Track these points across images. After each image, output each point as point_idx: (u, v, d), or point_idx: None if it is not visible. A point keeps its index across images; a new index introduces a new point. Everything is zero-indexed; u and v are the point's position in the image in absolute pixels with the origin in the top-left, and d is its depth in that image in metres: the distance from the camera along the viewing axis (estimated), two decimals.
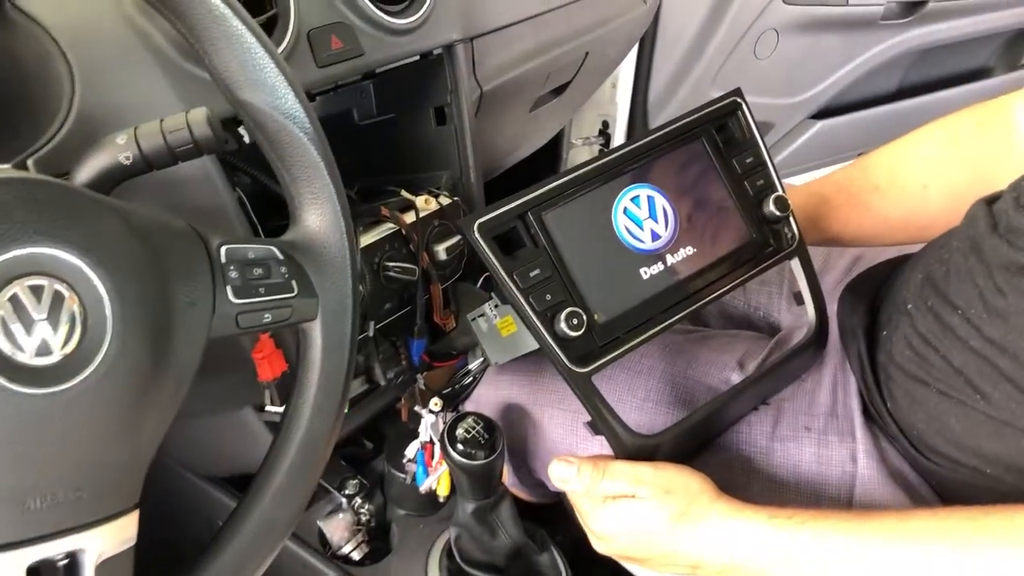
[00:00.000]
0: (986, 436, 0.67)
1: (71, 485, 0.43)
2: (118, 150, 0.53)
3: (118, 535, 0.45)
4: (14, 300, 0.41)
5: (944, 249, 0.76)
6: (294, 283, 0.53)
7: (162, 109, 0.66)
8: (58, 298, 0.42)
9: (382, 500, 0.98)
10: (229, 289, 0.50)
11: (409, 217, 0.86)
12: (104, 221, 0.45)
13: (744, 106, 0.77)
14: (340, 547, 0.93)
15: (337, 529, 0.93)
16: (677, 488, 0.68)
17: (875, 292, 0.85)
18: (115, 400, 0.44)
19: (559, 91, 1.31)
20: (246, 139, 0.77)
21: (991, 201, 0.74)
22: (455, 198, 0.92)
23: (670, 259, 0.71)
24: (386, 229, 0.84)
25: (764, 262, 0.76)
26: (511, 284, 0.65)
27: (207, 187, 0.70)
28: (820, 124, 1.92)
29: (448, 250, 0.88)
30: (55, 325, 0.42)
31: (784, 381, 0.81)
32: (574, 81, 1.31)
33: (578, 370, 0.67)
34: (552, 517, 0.98)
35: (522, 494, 0.98)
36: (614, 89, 1.70)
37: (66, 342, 0.42)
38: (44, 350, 0.42)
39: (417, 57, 0.88)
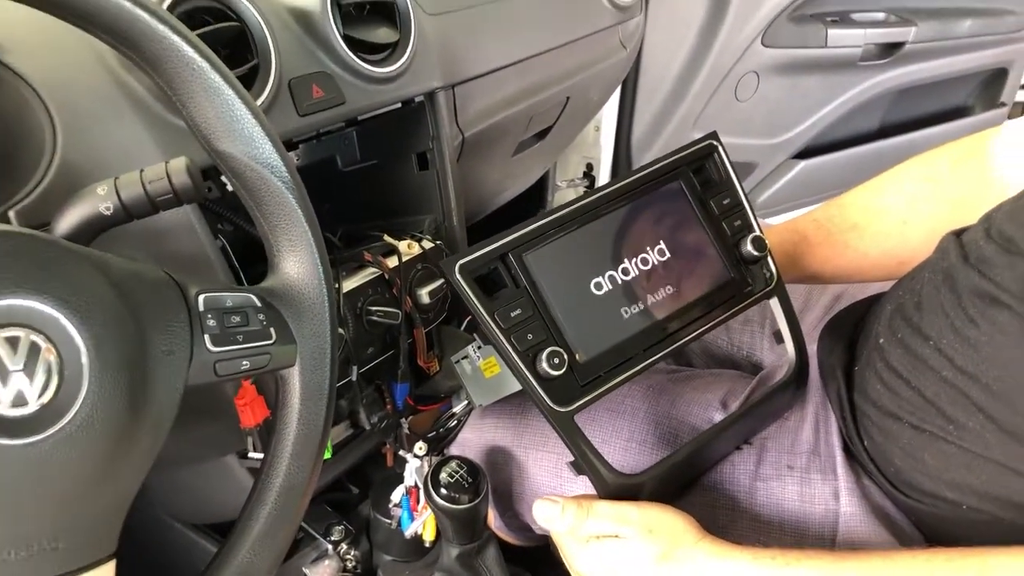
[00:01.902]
0: (961, 469, 0.68)
1: (48, 535, 0.43)
2: (98, 200, 0.54)
3: None
4: None
5: (915, 281, 0.77)
6: (272, 330, 0.54)
7: (144, 159, 0.67)
8: (34, 349, 0.43)
9: (368, 546, 0.98)
10: (207, 337, 0.51)
11: (392, 261, 0.87)
12: (81, 272, 0.46)
13: (720, 148, 0.78)
14: None
15: (322, 574, 0.93)
16: (661, 528, 0.68)
17: (854, 330, 0.86)
18: (92, 450, 0.44)
19: (542, 135, 1.33)
20: (228, 187, 0.78)
21: (960, 233, 0.75)
22: (438, 242, 0.93)
23: (650, 299, 0.72)
24: (369, 273, 0.85)
25: (743, 302, 0.77)
26: (492, 325, 0.65)
27: (189, 235, 0.71)
28: (803, 164, 1.96)
29: (431, 294, 0.89)
30: (31, 376, 0.42)
31: (766, 420, 0.82)
32: (557, 125, 1.34)
33: (560, 410, 0.67)
34: (538, 561, 0.97)
35: (508, 537, 0.98)
36: (597, 132, 1.73)
37: (42, 392, 0.43)
38: (20, 401, 0.42)
39: (399, 104, 0.89)
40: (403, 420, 0.93)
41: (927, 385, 0.70)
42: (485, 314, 0.66)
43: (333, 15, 0.80)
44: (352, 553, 0.96)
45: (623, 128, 1.73)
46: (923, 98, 2.09)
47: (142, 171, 0.55)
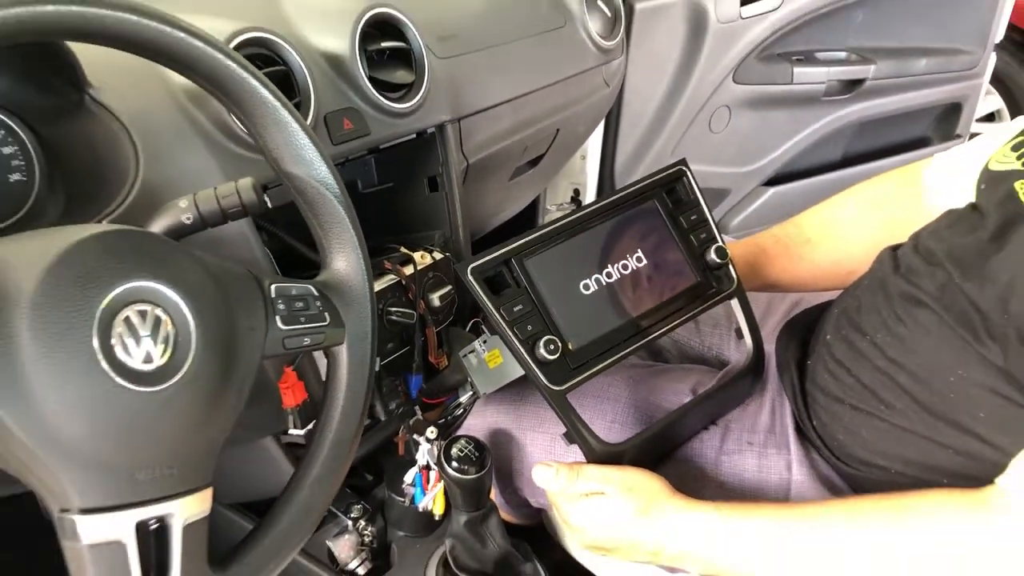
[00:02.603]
0: (891, 441, 0.82)
1: (166, 463, 0.56)
2: (181, 212, 0.67)
3: (199, 505, 0.58)
4: (127, 321, 0.54)
5: (857, 288, 0.92)
6: (326, 314, 0.67)
7: (208, 180, 0.81)
8: (157, 320, 0.56)
9: (383, 523, 1.10)
10: (278, 318, 0.64)
11: (408, 270, 1.00)
12: (189, 264, 0.59)
13: (688, 173, 0.93)
14: (347, 564, 1.04)
15: (344, 548, 1.05)
16: (639, 487, 0.81)
17: (807, 331, 1.00)
18: (196, 400, 0.57)
19: (535, 162, 1.47)
20: (269, 204, 0.92)
21: (896, 248, 0.90)
22: (447, 254, 1.07)
23: (630, 298, 0.86)
24: (388, 280, 0.99)
25: (708, 302, 0.91)
26: (499, 317, 0.79)
27: (243, 241, 0.84)
28: (772, 190, 2.08)
29: (441, 298, 1.02)
30: (155, 340, 0.55)
31: (728, 403, 0.95)
32: (547, 154, 1.47)
33: (556, 388, 0.81)
34: (534, 537, 1.10)
35: (508, 515, 1.10)
36: (584, 160, 1.84)
37: (163, 354, 0.55)
38: (147, 359, 0.55)
39: (414, 135, 1.04)
40: (416, 408, 1.06)
41: (864, 373, 0.84)
42: (492, 308, 0.79)
43: (360, 60, 0.94)
44: (369, 529, 1.08)
45: (607, 157, 1.83)
46: (884, 130, 2.22)
47: (216, 188, 0.68)
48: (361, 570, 1.05)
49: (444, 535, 1.00)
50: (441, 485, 1.01)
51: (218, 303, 0.60)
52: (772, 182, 2.11)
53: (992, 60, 2.24)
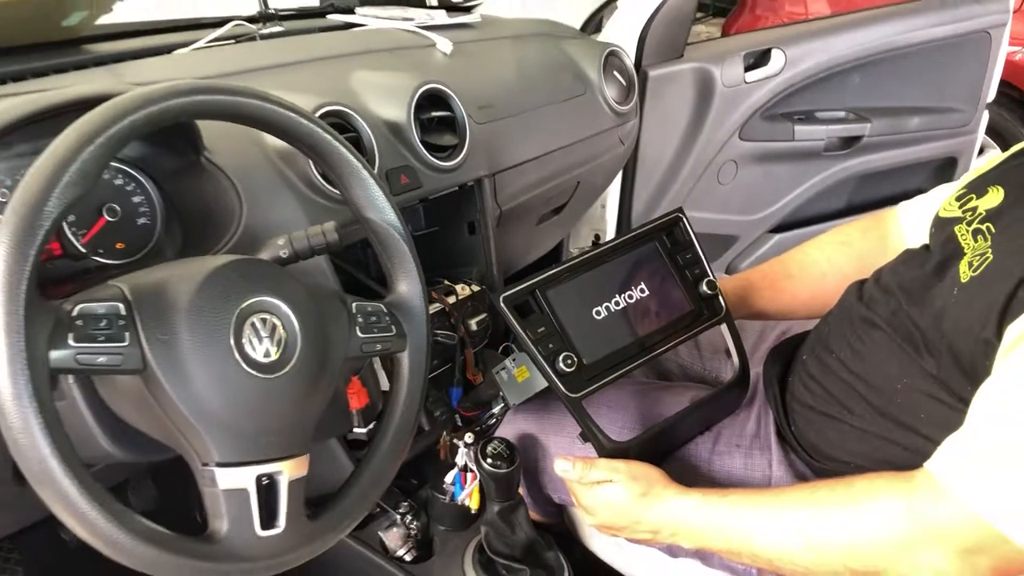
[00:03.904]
0: (852, 441, 0.98)
1: (278, 431, 0.74)
2: (279, 248, 0.86)
3: (299, 468, 0.76)
4: (252, 325, 0.74)
5: (829, 316, 1.10)
6: (393, 327, 0.86)
7: (293, 223, 1.01)
8: (274, 327, 0.75)
9: (426, 519, 1.27)
10: (357, 328, 0.83)
11: (451, 299, 1.20)
12: (295, 285, 0.78)
13: (684, 219, 1.11)
14: (395, 551, 1.22)
15: (393, 538, 1.22)
16: (641, 475, 0.98)
17: (790, 354, 1.17)
18: (299, 386, 0.76)
19: (558, 210, 1.67)
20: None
21: (862, 282, 1.08)
22: (483, 286, 1.26)
23: (635, 322, 1.04)
24: (435, 307, 1.18)
25: (700, 326, 1.09)
26: (525, 336, 0.97)
27: (320, 272, 1.03)
28: (777, 237, 2.24)
29: (478, 323, 1.22)
30: (272, 341, 0.74)
31: (719, 412, 1.13)
32: (569, 203, 1.67)
33: (573, 396, 0.98)
34: (557, 533, 1.27)
35: (534, 514, 1.27)
36: (603, 209, 2.02)
37: (277, 351, 0.74)
38: (267, 354, 0.74)
39: (456, 187, 1.24)
40: (456, 416, 1.24)
41: (831, 384, 1.02)
42: (520, 330, 0.97)
43: (414, 127, 1.15)
44: (414, 523, 1.25)
45: (624, 206, 2.00)
46: (884, 182, 2.35)
47: (307, 230, 0.88)
48: (408, 557, 1.22)
49: (479, 528, 1.18)
50: (476, 483, 1.18)
51: (316, 315, 0.79)
52: (778, 229, 2.26)
53: (985, 117, 2.37)
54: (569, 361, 0.97)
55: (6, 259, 0.62)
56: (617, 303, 1.03)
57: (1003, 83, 2.40)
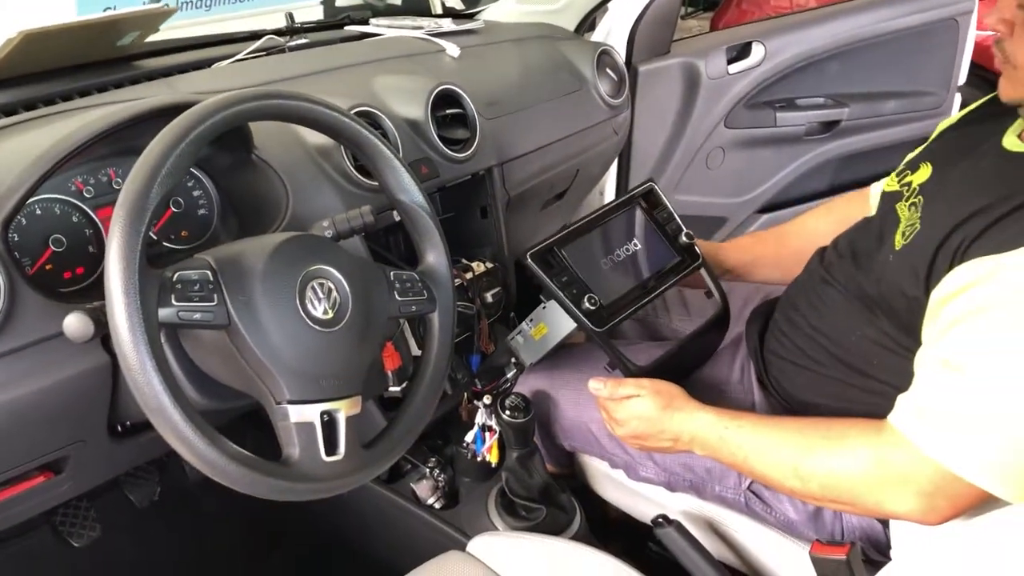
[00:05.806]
0: (818, 386, 1.14)
1: (335, 375, 0.89)
2: (324, 229, 1.01)
3: (354, 406, 0.91)
4: (312, 288, 0.89)
5: (797, 279, 1.26)
6: (425, 292, 1.02)
7: (331, 209, 1.15)
8: (329, 289, 0.90)
9: (452, 473, 1.43)
10: (395, 292, 0.99)
11: (468, 275, 1.36)
12: (345, 256, 0.94)
13: (655, 187, 1.29)
14: (426, 500, 1.37)
15: (423, 489, 1.38)
16: (664, 390, 1.13)
17: (769, 314, 1.33)
18: (351, 339, 0.91)
19: (560, 196, 1.83)
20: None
21: (824, 249, 1.24)
22: (496, 264, 1.42)
23: (633, 270, 1.21)
24: (455, 282, 1.34)
25: (684, 270, 1.27)
26: (552, 284, 1.13)
27: (356, 249, 1.18)
28: (765, 217, 2.38)
29: (492, 296, 1.38)
30: (328, 302, 0.90)
31: (712, 340, 1.31)
32: (570, 189, 1.83)
33: (599, 329, 1.15)
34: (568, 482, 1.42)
35: (548, 464, 1.43)
36: (601, 196, 2.16)
37: (332, 310, 0.90)
38: (325, 313, 0.89)
39: (469, 176, 1.40)
40: (475, 380, 1.40)
41: (798, 338, 1.17)
42: (547, 278, 1.14)
43: (431, 123, 1.31)
44: (442, 476, 1.41)
45: (621, 191, 2.12)
46: (863, 162, 2.44)
47: (347, 212, 1.03)
48: (437, 504, 1.38)
49: (499, 478, 1.33)
50: (495, 438, 1.34)
51: (362, 281, 0.94)
52: (765, 210, 2.39)
53: (958, 99, 2.47)
54: (592, 301, 1.15)
55: (122, 235, 0.77)
56: (618, 255, 1.22)
57: (974, 65, 2.49)
